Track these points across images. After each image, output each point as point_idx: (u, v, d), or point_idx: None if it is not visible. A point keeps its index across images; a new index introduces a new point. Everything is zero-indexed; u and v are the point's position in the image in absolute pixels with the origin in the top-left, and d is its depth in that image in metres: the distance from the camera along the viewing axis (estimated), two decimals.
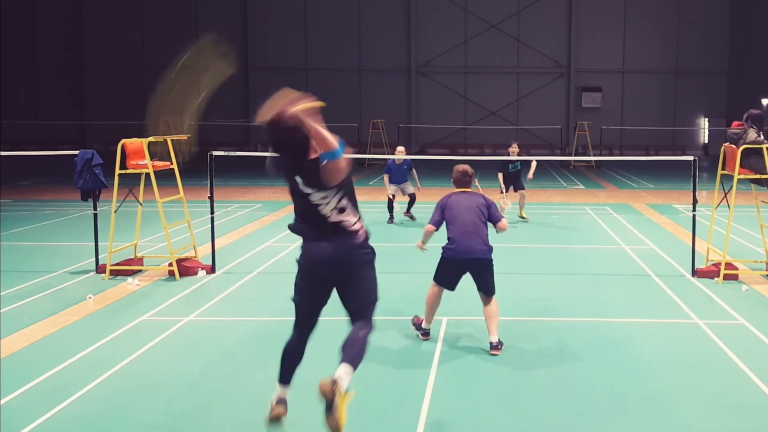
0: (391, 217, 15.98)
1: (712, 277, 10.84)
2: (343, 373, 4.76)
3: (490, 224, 7.83)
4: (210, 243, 11.59)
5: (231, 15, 43.77)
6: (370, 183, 25.39)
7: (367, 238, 5.11)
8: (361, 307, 5.13)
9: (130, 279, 10.71)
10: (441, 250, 7.82)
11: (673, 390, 6.60)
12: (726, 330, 8.38)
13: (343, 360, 4.86)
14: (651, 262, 12.05)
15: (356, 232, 5.01)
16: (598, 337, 8.14)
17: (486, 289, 7.72)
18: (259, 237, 14.41)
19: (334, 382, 4.66)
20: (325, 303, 5.27)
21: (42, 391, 6.54)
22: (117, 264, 11.07)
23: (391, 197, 15.91)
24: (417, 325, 8.11)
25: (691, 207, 11.45)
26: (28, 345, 7.83)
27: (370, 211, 17.44)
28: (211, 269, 11.18)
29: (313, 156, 4.86)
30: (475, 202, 7.79)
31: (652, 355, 7.54)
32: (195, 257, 11.55)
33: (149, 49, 43.92)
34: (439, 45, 43.37)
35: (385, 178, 16.13)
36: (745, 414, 6.13)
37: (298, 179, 4.92)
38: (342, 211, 4.97)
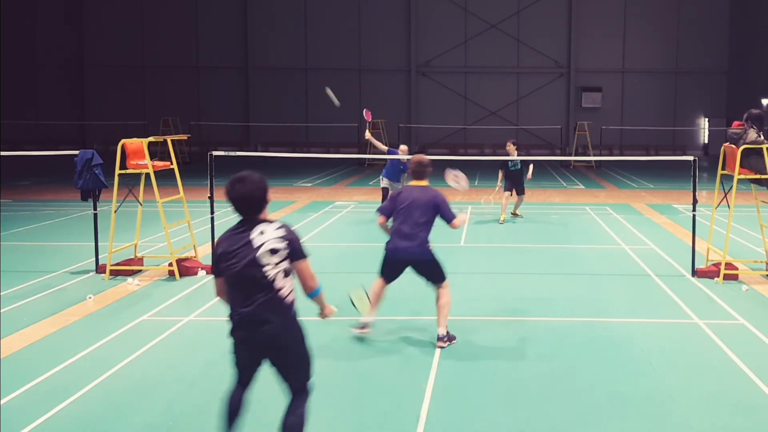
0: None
1: (712, 277, 10.83)
2: None
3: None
4: (210, 243, 11.59)
5: (231, 15, 43.78)
6: (370, 183, 25.37)
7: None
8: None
9: (130, 279, 10.71)
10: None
11: (673, 390, 6.60)
12: (726, 330, 8.38)
13: None
14: (651, 262, 12.05)
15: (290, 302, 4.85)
16: (598, 337, 8.14)
17: (433, 280, 7.82)
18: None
19: None
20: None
21: (42, 391, 6.54)
22: (117, 264, 11.07)
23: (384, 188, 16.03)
24: (360, 324, 8.07)
25: (691, 207, 11.45)
26: (28, 345, 7.83)
27: (370, 211, 17.45)
28: (211, 269, 11.17)
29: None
30: (424, 200, 7.73)
31: (652, 355, 7.54)
32: (195, 257, 11.55)
33: (149, 49, 43.94)
34: (439, 45, 43.38)
35: (386, 149, 16.49)
36: (745, 414, 6.13)
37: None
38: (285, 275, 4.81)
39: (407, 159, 15.96)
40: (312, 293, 4.95)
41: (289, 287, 4.80)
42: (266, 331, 4.73)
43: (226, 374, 7.00)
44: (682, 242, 13.81)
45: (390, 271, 7.91)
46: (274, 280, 4.71)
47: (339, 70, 43.68)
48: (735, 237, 13.59)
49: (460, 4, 43.10)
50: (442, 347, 7.69)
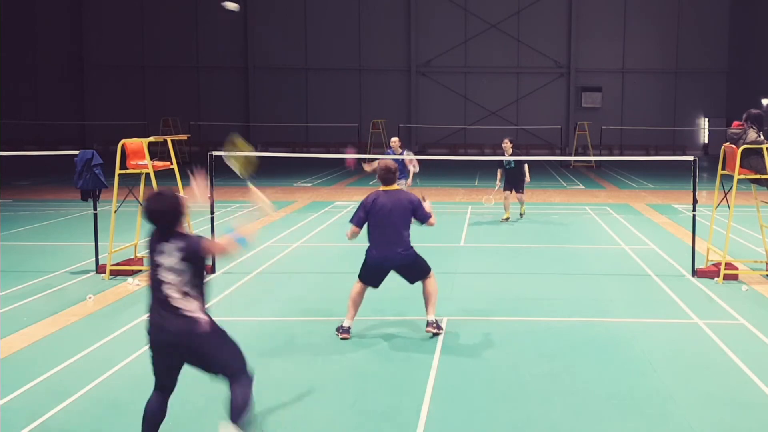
0: None
1: (712, 277, 10.83)
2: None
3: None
4: None
5: (231, 15, 43.74)
6: (370, 183, 25.37)
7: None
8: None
9: (130, 279, 10.71)
10: (365, 253, 7.93)
11: (673, 390, 6.60)
12: (726, 330, 8.38)
13: (231, 420, 4.93)
14: (651, 262, 12.05)
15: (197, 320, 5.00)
16: (598, 337, 8.14)
17: (418, 277, 7.93)
18: (259, 237, 14.41)
19: None
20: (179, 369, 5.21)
21: (42, 391, 6.54)
22: (117, 264, 11.07)
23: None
24: (339, 327, 8.08)
25: (691, 207, 11.45)
26: (28, 345, 7.83)
27: None
28: (211, 269, 11.18)
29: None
30: (400, 205, 7.78)
31: (652, 355, 7.54)
32: None
33: (149, 49, 43.95)
34: (439, 45, 43.38)
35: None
36: (745, 413, 6.13)
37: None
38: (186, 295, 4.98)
39: (401, 154, 15.74)
40: (241, 248, 5.09)
41: (196, 308, 4.97)
42: (177, 341, 4.90)
43: None
44: (682, 242, 13.81)
45: (373, 277, 7.96)
46: (175, 298, 4.92)
47: (339, 70, 43.69)
48: (735, 237, 13.59)
49: (460, 4, 43.10)
50: (431, 332, 7.88)
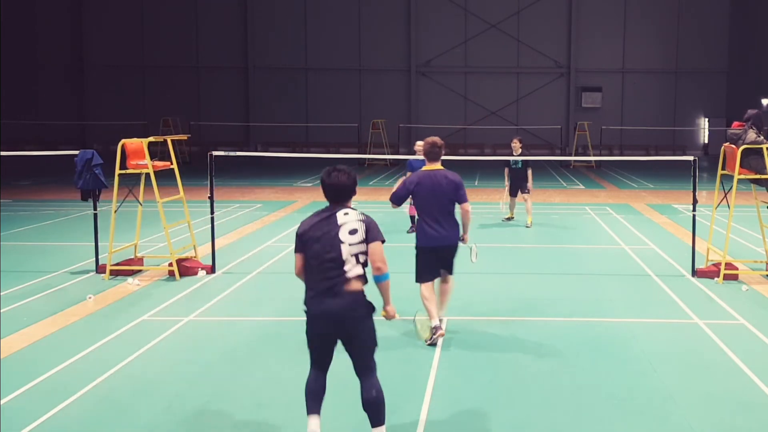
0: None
1: (712, 277, 10.83)
2: None
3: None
4: (210, 243, 11.58)
5: (231, 15, 43.78)
6: (370, 183, 25.38)
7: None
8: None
9: (130, 279, 10.71)
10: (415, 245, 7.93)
11: (673, 390, 6.60)
12: (726, 330, 8.38)
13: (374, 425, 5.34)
14: (651, 262, 12.05)
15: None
16: (598, 337, 8.14)
17: (451, 267, 8.01)
18: (259, 237, 14.42)
19: None
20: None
21: (42, 391, 6.54)
22: (117, 264, 11.07)
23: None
24: (433, 328, 7.98)
25: (691, 207, 11.45)
26: (28, 345, 7.83)
27: (371, 211, 17.31)
28: (211, 269, 11.18)
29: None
30: (448, 185, 7.79)
31: (652, 355, 7.54)
32: (195, 257, 11.55)
33: (149, 49, 43.94)
34: (439, 45, 43.38)
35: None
36: (745, 414, 6.13)
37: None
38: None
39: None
40: (382, 275, 5.33)
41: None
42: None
43: (226, 374, 7.02)
44: (682, 242, 13.81)
45: (428, 267, 7.89)
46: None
47: (339, 70, 43.68)
48: (735, 237, 13.59)
49: (460, 4, 43.10)
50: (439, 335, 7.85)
